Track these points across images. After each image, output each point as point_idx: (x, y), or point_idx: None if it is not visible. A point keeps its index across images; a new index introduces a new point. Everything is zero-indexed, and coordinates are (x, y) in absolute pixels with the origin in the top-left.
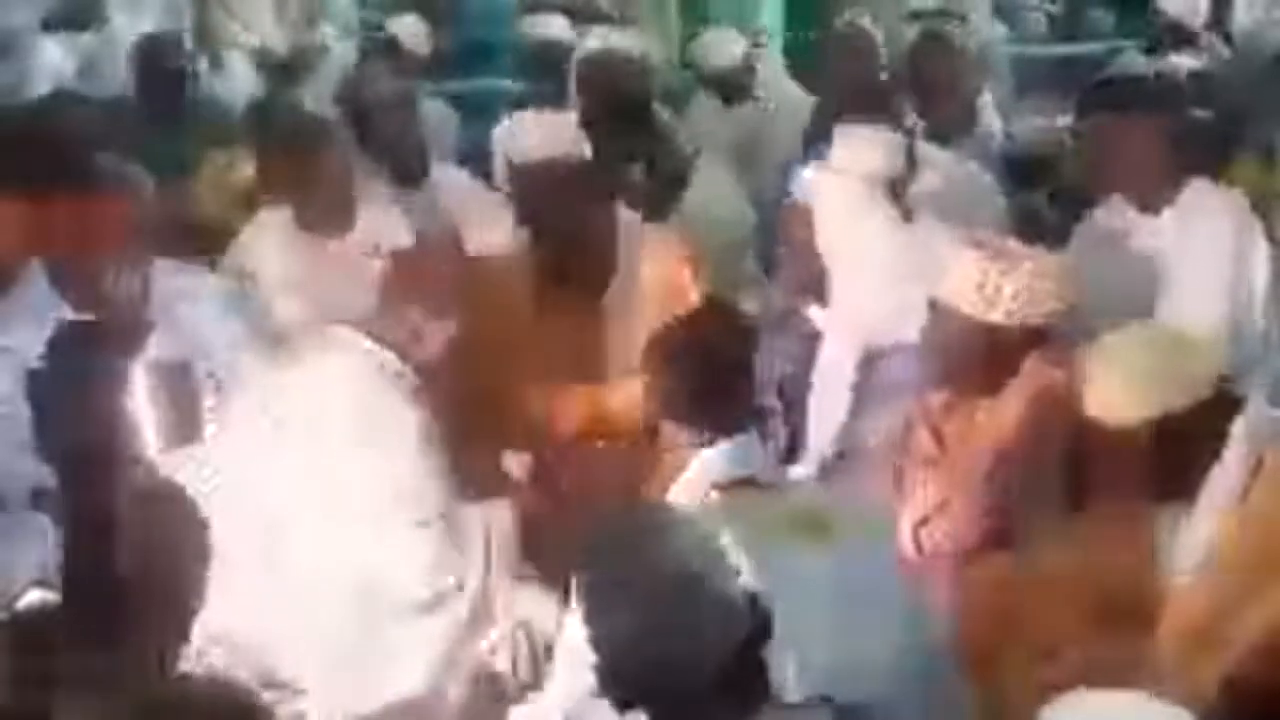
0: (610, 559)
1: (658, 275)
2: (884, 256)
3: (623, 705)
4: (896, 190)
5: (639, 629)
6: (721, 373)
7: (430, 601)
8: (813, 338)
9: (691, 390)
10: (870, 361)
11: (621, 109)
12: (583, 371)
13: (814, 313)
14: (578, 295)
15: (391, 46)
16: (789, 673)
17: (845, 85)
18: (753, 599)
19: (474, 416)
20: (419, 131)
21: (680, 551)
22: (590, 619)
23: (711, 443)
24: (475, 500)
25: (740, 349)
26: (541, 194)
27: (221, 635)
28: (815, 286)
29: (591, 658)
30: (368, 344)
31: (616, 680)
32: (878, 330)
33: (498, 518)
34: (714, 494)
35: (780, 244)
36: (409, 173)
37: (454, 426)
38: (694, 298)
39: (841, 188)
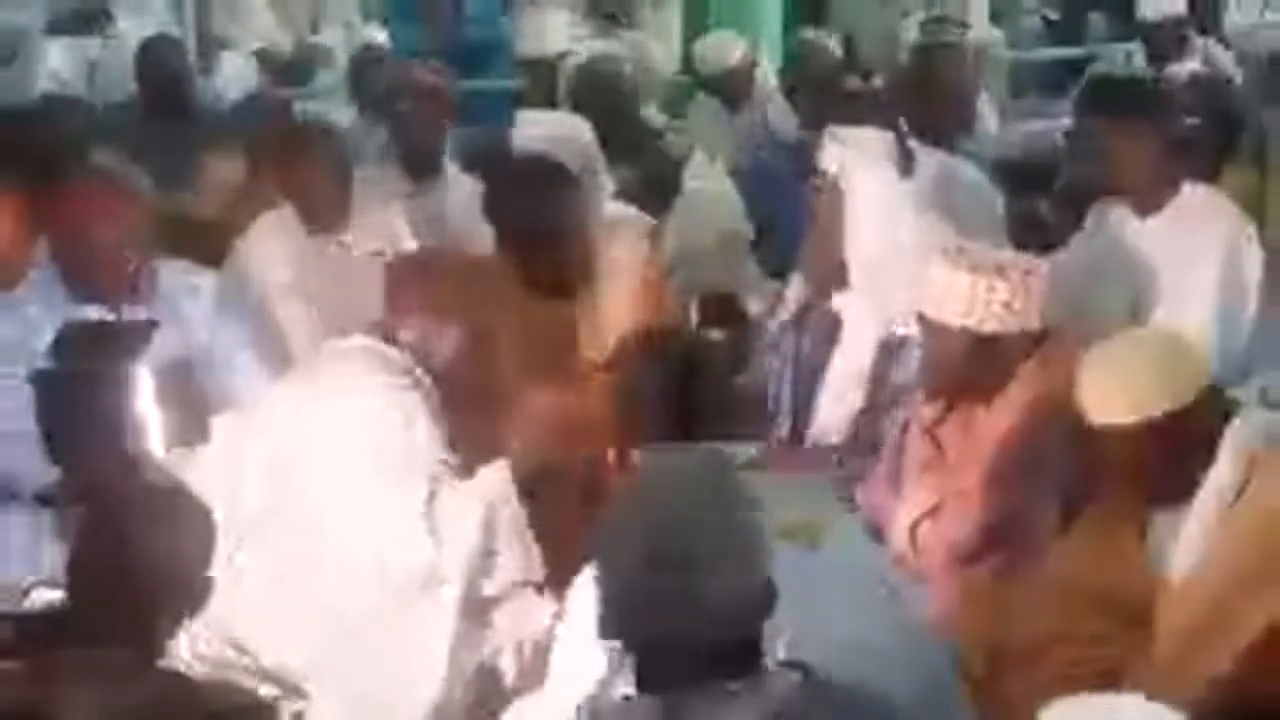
0: (626, 497)
1: (619, 255)
2: (908, 238)
3: (619, 649)
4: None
5: (641, 560)
6: (669, 393)
7: (426, 587)
8: (829, 333)
9: (647, 412)
10: (888, 354)
11: (608, 119)
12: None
13: (838, 302)
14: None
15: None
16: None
17: (815, 93)
18: (756, 563)
19: (479, 417)
20: (445, 126)
21: (692, 490)
22: (598, 555)
23: None
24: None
25: (685, 369)
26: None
27: (224, 633)
28: (840, 274)
29: (595, 636)
30: (366, 342)
31: (615, 621)
32: (898, 319)
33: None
34: None
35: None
36: (424, 165)
37: (462, 429)
38: (654, 274)
39: (865, 171)
